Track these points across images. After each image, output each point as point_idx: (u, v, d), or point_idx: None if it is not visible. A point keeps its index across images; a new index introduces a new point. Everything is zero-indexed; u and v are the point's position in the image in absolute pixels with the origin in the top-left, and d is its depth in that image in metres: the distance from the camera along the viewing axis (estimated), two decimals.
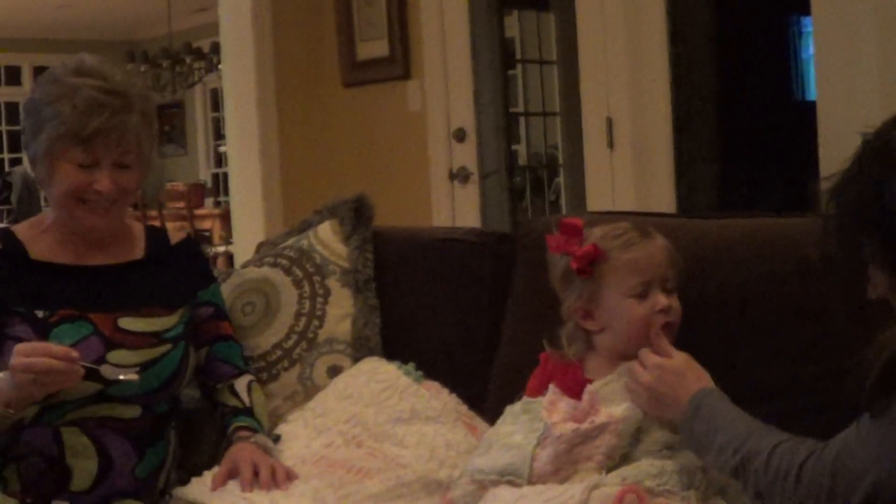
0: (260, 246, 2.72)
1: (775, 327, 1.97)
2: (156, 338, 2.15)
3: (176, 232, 2.41)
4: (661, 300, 1.90)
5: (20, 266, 2.14)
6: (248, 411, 2.24)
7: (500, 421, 1.99)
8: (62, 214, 2.15)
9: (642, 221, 2.05)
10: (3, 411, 1.95)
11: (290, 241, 2.55)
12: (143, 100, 2.14)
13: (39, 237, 2.18)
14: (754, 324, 1.99)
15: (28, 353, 1.91)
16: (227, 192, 10.56)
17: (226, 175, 10.78)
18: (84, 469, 2.07)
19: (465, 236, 2.49)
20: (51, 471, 2.06)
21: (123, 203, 2.17)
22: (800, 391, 1.93)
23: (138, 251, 2.26)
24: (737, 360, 1.97)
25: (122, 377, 2.03)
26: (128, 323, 2.14)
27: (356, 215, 2.52)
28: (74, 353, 1.93)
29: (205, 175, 13.52)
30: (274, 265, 2.49)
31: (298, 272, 2.46)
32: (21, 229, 2.22)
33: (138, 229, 2.31)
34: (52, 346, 1.94)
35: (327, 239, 2.50)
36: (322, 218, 2.55)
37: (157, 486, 2.16)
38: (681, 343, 1.90)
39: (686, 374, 1.79)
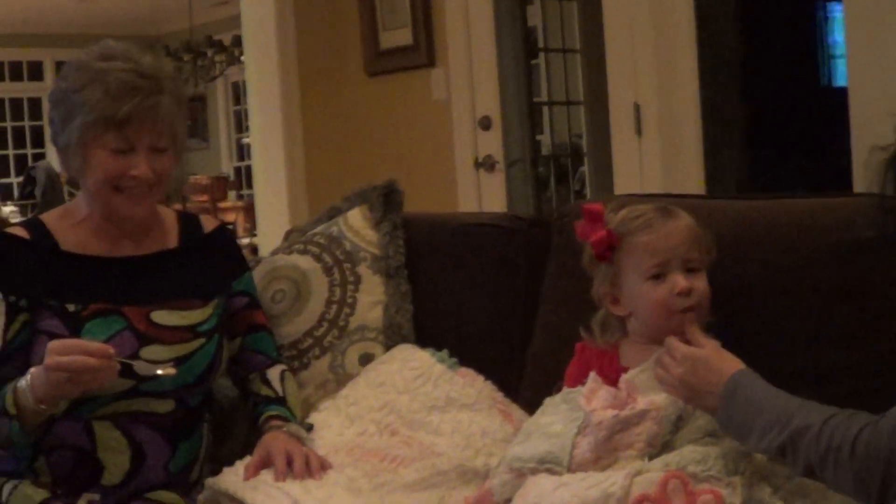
0: (288, 233, 2.69)
1: (819, 310, 1.93)
2: (190, 332, 2.12)
3: (209, 220, 2.36)
4: (680, 282, 1.85)
5: (50, 258, 2.09)
6: (281, 401, 2.21)
7: (539, 412, 1.97)
8: (98, 205, 2.10)
9: (674, 202, 2.01)
10: (35, 407, 1.91)
11: (320, 228, 2.52)
12: (173, 83, 2.10)
13: (70, 229, 2.13)
14: (797, 306, 1.95)
15: (62, 351, 1.86)
16: (249, 186, 10.58)
17: (248, 168, 10.80)
18: (116, 463, 2.05)
19: (498, 221, 2.46)
20: (82, 464, 2.04)
21: (159, 190, 2.11)
22: (845, 376, 1.90)
23: (171, 240, 2.22)
24: (779, 344, 1.93)
25: (159, 372, 1.99)
26: (161, 316, 2.10)
27: (386, 201, 2.48)
28: (110, 350, 1.88)
29: (227, 168, 13.55)
30: (303, 252, 2.46)
31: (328, 259, 2.43)
32: (50, 219, 2.16)
33: (170, 217, 2.26)
34: (87, 343, 1.90)
35: (357, 225, 2.47)
36: (351, 204, 2.52)
37: (189, 479, 2.13)
38: (721, 327, 1.86)
39: (717, 362, 1.75)
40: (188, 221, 2.28)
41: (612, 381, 1.87)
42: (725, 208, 2.12)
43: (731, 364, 1.74)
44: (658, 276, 1.88)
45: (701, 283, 1.88)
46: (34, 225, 2.15)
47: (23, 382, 1.92)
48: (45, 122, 12.13)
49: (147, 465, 2.06)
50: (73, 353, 1.85)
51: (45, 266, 2.08)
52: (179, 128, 2.10)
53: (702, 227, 1.93)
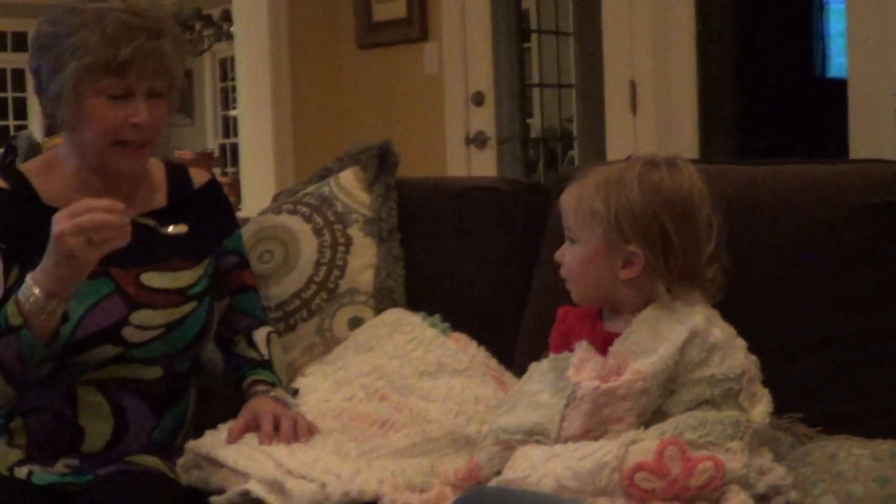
0: (277, 195, 2.62)
1: (831, 276, 1.90)
2: (180, 295, 2.04)
3: (198, 173, 2.27)
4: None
5: (32, 212, 1.99)
6: (267, 364, 2.14)
7: (525, 378, 1.90)
8: (90, 158, 2.01)
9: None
10: (44, 305, 1.81)
11: (311, 189, 2.46)
12: (173, 26, 2.01)
13: (54, 182, 2.04)
14: (809, 272, 1.91)
15: (71, 214, 1.76)
16: (234, 164, 10.50)
17: (233, 146, 10.73)
18: (97, 431, 1.97)
19: (495, 184, 2.41)
20: (61, 430, 1.96)
21: (154, 143, 2.03)
22: (856, 343, 1.86)
23: (160, 198, 2.14)
24: (790, 311, 1.90)
25: (171, 230, 1.93)
26: (151, 279, 2.02)
27: (380, 162, 2.42)
28: (120, 205, 1.79)
29: (212, 145, 13.43)
30: (293, 212, 2.40)
31: (319, 220, 2.37)
32: (30, 169, 2.07)
33: (159, 172, 2.18)
34: (95, 201, 1.79)
35: (349, 186, 2.41)
36: (344, 165, 2.46)
37: (173, 446, 2.07)
38: (733, 294, 1.79)
39: None
40: (177, 175, 2.20)
41: (598, 346, 1.80)
42: (736, 173, 2.07)
43: None
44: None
45: (568, 256, 1.85)
46: (13, 174, 2.05)
47: (23, 289, 1.83)
48: (29, 94, 12.00)
49: (130, 433, 1.99)
50: (83, 213, 1.75)
51: (28, 220, 1.99)
52: (178, 73, 2.02)
53: (604, 192, 1.80)
